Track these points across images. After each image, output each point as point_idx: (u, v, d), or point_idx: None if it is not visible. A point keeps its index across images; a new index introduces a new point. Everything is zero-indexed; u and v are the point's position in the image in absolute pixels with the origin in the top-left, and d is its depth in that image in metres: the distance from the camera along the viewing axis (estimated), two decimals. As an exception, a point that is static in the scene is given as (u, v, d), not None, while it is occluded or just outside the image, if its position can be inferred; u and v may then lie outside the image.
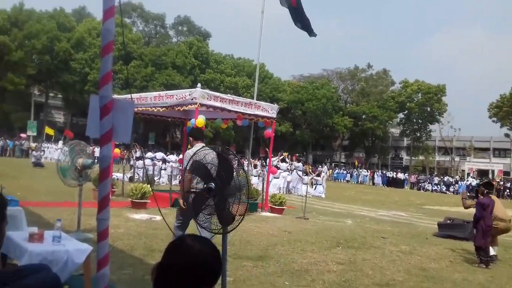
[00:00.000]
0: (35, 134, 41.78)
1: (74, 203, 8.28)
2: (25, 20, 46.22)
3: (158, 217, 9.27)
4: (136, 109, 11.64)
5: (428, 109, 58.63)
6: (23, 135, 40.78)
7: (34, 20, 46.25)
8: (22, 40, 45.17)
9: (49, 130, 36.61)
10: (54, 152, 31.79)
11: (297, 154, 45.05)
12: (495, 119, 52.72)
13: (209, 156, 3.68)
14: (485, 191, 7.87)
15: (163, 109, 12.14)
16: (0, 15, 44.90)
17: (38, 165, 25.04)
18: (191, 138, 6.24)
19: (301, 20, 13.22)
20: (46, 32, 45.23)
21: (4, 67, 45.11)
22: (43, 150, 34.69)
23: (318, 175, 22.85)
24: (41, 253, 3.82)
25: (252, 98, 14.52)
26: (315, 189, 21.51)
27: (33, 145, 37.15)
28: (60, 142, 32.78)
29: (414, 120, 60.59)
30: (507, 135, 54.76)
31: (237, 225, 3.50)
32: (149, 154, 22.11)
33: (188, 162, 5.47)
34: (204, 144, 6.06)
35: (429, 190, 42.54)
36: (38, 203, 10.10)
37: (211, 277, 1.55)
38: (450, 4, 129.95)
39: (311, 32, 13.37)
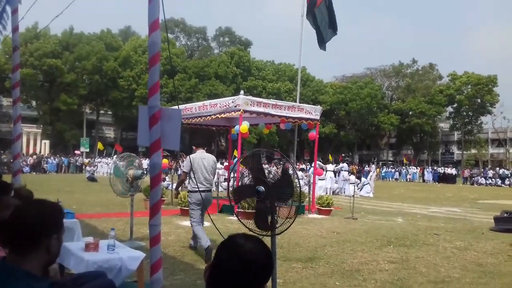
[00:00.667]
0: (88, 150, 43.54)
1: (126, 213, 8.60)
2: (75, 43, 48.31)
3: (206, 223, 9.41)
4: (182, 120, 11.91)
5: (479, 100, 56.50)
6: (77, 151, 42.59)
7: (84, 43, 48.24)
8: (73, 62, 47.25)
9: (100, 146, 38.07)
10: (106, 167, 32.91)
11: (343, 155, 44.47)
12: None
13: (259, 159, 3.75)
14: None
15: (208, 118, 12.33)
16: (52, 40, 47.15)
17: (92, 179, 26.02)
18: (193, 147, 7.35)
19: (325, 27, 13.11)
20: (95, 53, 47.05)
21: (57, 88, 47.39)
22: (96, 165, 36.06)
23: (359, 177, 22.46)
24: (97, 261, 3.98)
25: (295, 102, 14.53)
26: (360, 190, 21.11)
27: (86, 160, 38.72)
28: (115, 157, 34.02)
29: (464, 113, 58.54)
30: None
31: (287, 228, 3.50)
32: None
33: (186, 165, 6.97)
34: (204, 151, 7.18)
35: (483, 184, 40.90)
36: (93, 215, 10.53)
37: (263, 275, 1.55)
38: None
39: (325, 39, 13.23)
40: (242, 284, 1.50)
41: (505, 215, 10.48)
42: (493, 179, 41.68)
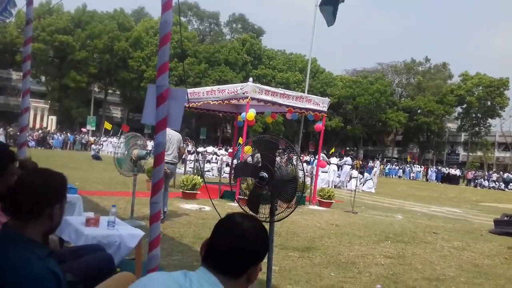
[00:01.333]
0: (94, 128, 43.75)
1: (128, 193, 8.69)
2: (88, 21, 48.33)
3: (207, 207, 9.51)
4: (189, 104, 11.93)
5: (489, 103, 56.08)
6: (83, 129, 42.76)
7: (96, 21, 48.23)
8: (85, 40, 47.30)
9: (107, 125, 38.20)
10: (111, 146, 33.05)
11: (347, 148, 44.35)
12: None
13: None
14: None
15: (215, 103, 12.32)
16: (64, 16, 47.17)
17: (96, 158, 26.15)
18: None
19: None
20: (107, 32, 47.06)
21: (67, 65, 47.49)
22: (102, 144, 36.23)
23: (362, 172, 22.49)
24: (97, 236, 4.02)
25: (303, 93, 14.51)
26: (363, 184, 21.13)
27: (92, 139, 38.90)
28: (123, 137, 34.23)
29: (473, 115, 58.15)
30: None
31: (286, 216, 3.52)
32: (201, 149, 22.63)
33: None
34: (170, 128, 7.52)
35: (486, 187, 40.81)
36: (95, 192, 10.62)
37: (259, 254, 1.57)
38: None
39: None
40: (237, 261, 1.51)
41: (506, 218, 10.49)
42: (497, 183, 41.59)
